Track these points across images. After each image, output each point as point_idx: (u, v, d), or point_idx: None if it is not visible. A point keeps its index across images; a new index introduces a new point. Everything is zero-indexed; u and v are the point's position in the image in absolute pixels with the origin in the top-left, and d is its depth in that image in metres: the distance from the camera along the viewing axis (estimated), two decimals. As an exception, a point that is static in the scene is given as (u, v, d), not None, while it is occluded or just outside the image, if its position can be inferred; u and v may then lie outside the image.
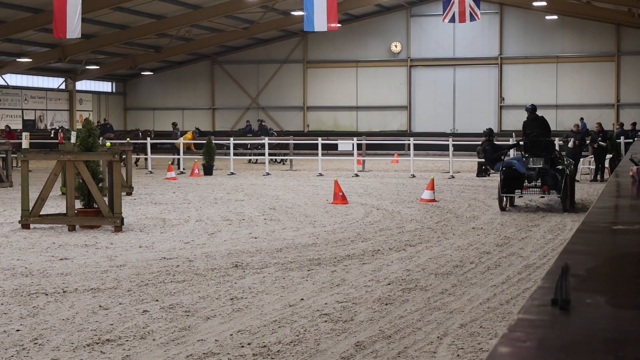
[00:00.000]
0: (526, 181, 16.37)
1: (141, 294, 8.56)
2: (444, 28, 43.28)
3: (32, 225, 13.93)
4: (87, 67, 44.60)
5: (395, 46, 45.98)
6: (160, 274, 9.70)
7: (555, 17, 42.61)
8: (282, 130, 45.53)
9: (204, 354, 6.40)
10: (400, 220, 14.99)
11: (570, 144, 23.79)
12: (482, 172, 26.37)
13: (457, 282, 9.21)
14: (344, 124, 47.21)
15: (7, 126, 37.57)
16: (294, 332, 7.03)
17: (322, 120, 47.70)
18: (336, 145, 32.65)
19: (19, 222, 13.99)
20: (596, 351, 2.08)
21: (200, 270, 9.88)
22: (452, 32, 44.41)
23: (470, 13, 29.46)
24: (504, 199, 16.53)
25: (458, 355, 6.40)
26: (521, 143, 17.00)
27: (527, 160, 16.44)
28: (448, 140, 27.91)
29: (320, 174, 27.04)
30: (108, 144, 21.01)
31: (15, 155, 24.74)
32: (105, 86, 50.74)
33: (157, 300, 8.26)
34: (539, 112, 17.59)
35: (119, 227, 13.47)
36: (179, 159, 30.31)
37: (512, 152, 22.43)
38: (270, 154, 32.52)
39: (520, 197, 17.08)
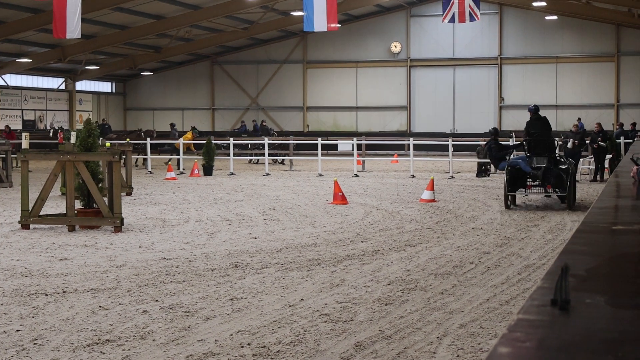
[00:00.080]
0: (530, 180, 16.70)
1: (141, 294, 8.56)
2: (444, 28, 43.28)
3: (31, 226, 13.93)
4: (86, 67, 44.60)
5: (395, 46, 45.98)
6: (160, 274, 9.70)
7: (555, 17, 42.61)
8: (282, 130, 45.55)
9: (203, 354, 6.40)
10: (400, 220, 14.99)
11: (569, 145, 23.80)
12: (481, 172, 26.39)
13: (457, 282, 9.22)
14: (344, 124, 47.22)
15: (7, 126, 37.57)
16: (293, 333, 7.03)
17: (321, 120, 47.71)
18: (336, 145, 32.66)
19: (19, 222, 13.99)
20: (596, 351, 2.08)
21: (200, 271, 9.88)
22: (451, 32, 44.42)
23: (470, 13, 29.46)
24: (509, 197, 16.82)
25: (458, 355, 6.41)
26: (522, 143, 17.32)
27: (530, 159, 16.71)
28: (448, 141, 27.92)
29: (320, 174, 27.04)
30: (108, 144, 21.01)
31: (15, 156, 24.75)
32: (105, 86, 50.75)
33: (157, 301, 8.26)
34: (540, 113, 17.84)
35: (118, 228, 13.47)
36: (178, 159, 30.31)
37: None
38: (271, 154, 32.55)
39: (525, 195, 17.51)
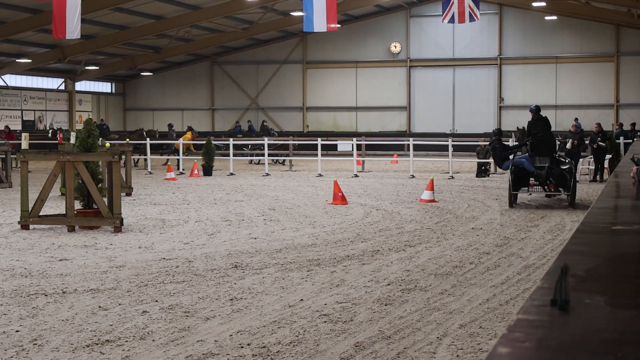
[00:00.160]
0: (532, 179, 17.08)
1: (141, 295, 8.56)
2: (444, 28, 43.29)
3: (31, 226, 13.93)
4: (86, 67, 44.60)
5: (395, 47, 45.99)
6: (160, 274, 9.70)
7: (555, 17, 42.62)
8: (282, 130, 45.56)
9: (203, 354, 6.40)
10: (400, 220, 14.99)
11: (568, 145, 23.85)
12: (481, 172, 26.41)
13: (456, 282, 9.22)
14: (344, 124, 47.22)
15: (6, 127, 37.56)
16: (293, 333, 7.03)
17: (321, 120, 47.71)
18: (336, 145, 32.66)
19: (19, 222, 13.98)
20: (595, 351, 2.08)
21: (200, 271, 9.88)
22: (451, 32, 44.43)
23: (470, 13, 29.47)
24: (513, 196, 17.16)
25: (457, 355, 6.41)
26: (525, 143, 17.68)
27: (533, 159, 17.04)
28: (447, 141, 27.93)
29: (320, 175, 27.04)
30: (107, 144, 21.01)
31: (15, 156, 24.74)
32: (105, 87, 50.75)
33: (156, 301, 8.26)
34: (541, 113, 18.21)
35: (118, 228, 13.47)
36: (178, 160, 30.30)
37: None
38: (272, 155, 32.56)
39: (530, 194, 17.97)
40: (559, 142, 24.38)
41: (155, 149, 32.35)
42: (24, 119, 43.96)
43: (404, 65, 46.04)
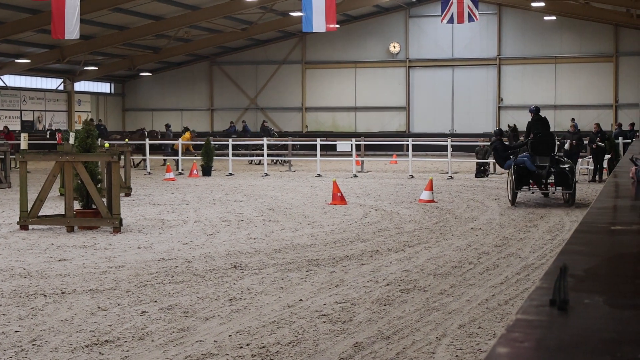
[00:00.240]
0: (533, 178, 17.34)
1: (140, 295, 8.56)
2: (443, 29, 43.30)
3: (30, 227, 13.92)
4: (85, 68, 44.57)
5: (394, 47, 45.99)
6: (159, 274, 9.70)
7: (554, 17, 42.63)
8: (281, 130, 45.56)
9: (202, 354, 6.40)
10: (399, 220, 15.00)
11: (566, 146, 23.88)
12: (480, 172, 26.42)
13: (455, 282, 9.22)
14: (343, 124, 47.22)
15: (5, 127, 37.56)
16: (292, 333, 7.03)
17: (320, 121, 47.71)
18: (335, 145, 32.65)
19: (18, 223, 13.98)
20: (594, 351, 2.08)
21: (199, 271, 9.88)
22: (450, 32, 44.44)
23: (469, 14, 29.47)
24: (516, 195, 17.51)
25: (457, 355, 6.41)
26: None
27: (533, 158, 17.30)
28: (447, 141, 27.94)
29: (319, 175, 27.04)
30: (107, 144, 21.01)
31: (14, 157, 24.74)
32: (104, 87, 50.73)
33: (155, 301, 8.26)
34: (540, 113, 18.51)
35: (117, 228, 13.47)
36: (177, 160, 30.29)
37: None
38: (272, 155, 32.55)
39: (532, 193, 18.31)
40: (558, 143, 24.43)
41: (155, 150, 32.32)
42: (23, 119, 43.94)
43: (403, 65, 46.05)
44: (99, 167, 15.15)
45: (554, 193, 18.16)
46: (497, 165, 26.10)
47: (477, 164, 26.69)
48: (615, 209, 5.66)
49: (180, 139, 31.62)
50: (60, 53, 39.27)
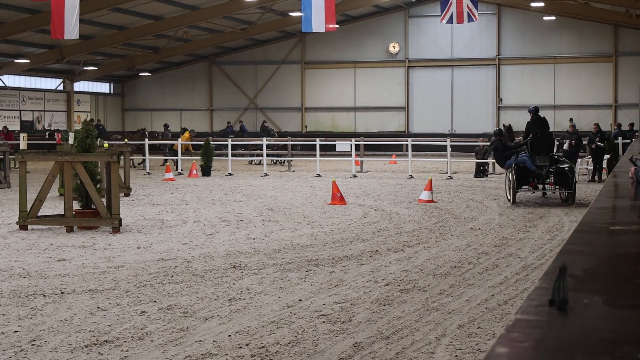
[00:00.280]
0: (533, 178, 17.48)
1: (139, 295, 8.55)
2: (442, 29, 43.30)
3: (29, 227, 13.92)
4: (85, 68, 44.57)
5: (393, 47, 45.99)
6: (158, 275, 9.70)
7: (553, 17, 42.64)
8: (280, 130, 45.55)
9: (202, 354, 6.40)
10: (399, 221, 15.00)
11: (565, 146, 23.89)
12: (480, 172, 26.42)
13: (455, 282, 9.22)
14: (342, 124, 47.22)
15: (4, 127, 37.55)
16: (292, 333, 7.03)
17: (320, 121, 47.71)
18: (334, 146, 32.65)
19: (17, 223, 13.98)
20: (594, 351, 2.08)
21: (199, 271, 9.88)
22: (450, 33, 44.44)
23: (468, 14, 29.47)
24: (516, 194, 17.65)
25: (456, 355, 6.41)
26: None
27: (533, 158, 17.45)
28: (446, 141, 27.94)
29: (319, 175, 27.04)
30: (106, 144, 21.01)
31: (13, 157, 24.74)
32: (103, 87, 50.72)
33: (155, 301, 8.26)
34: (539, 113, 18.63)
35: (116, 228, 13.46)
36: (176, 160, 30.28)
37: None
38: (272, 155, 32.54)
39: (533, 193, 18.43)
40: (557, 143, 24.45)
41: (155, 150, 32.30)
42: (22, 119, 43.93)
43: (402, 65, 46.05)
44: (99, 167, 15.15)
45: (553, 192, 18.26)
46: (496, 165, 26.13)
47: (477, 164, 26.69)
48: (614, 209, 5.66)
49: (179, 139, 31.61)
50: (59, 53, 39.26)
